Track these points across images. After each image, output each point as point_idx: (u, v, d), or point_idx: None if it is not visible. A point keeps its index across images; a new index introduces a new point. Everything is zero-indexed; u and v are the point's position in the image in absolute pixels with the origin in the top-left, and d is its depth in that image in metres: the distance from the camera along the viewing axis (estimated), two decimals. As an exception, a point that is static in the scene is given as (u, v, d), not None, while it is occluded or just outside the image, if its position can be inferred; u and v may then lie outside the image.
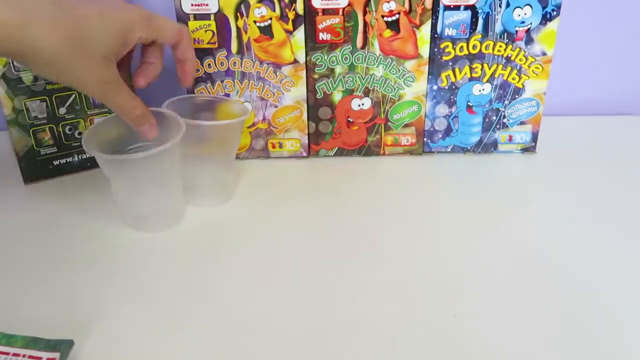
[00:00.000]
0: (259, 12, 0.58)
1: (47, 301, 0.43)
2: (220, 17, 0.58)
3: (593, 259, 0.47)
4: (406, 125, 0.63)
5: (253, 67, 0.60)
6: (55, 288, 0.45)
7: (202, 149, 0.54)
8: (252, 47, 0.59)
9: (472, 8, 0.58)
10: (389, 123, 0.63)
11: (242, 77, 0.61)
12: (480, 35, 0.59)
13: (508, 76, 0.61)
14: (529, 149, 0.65)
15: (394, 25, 0.59)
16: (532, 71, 0.61)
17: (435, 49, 0.60)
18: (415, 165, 0.63)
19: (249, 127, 0.63)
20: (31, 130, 0.58)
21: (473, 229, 0.51)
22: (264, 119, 0.63)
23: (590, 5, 0.71)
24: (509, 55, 0.60)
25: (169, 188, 0.52)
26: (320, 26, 0.59)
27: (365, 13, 0.58)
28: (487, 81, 0.61)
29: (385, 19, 0.58)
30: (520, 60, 0.60)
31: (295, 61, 0.60)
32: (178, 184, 0.53)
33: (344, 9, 0.58)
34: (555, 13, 0.58)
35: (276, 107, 0.62)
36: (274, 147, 0.64)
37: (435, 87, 0.62)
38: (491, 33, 0.59)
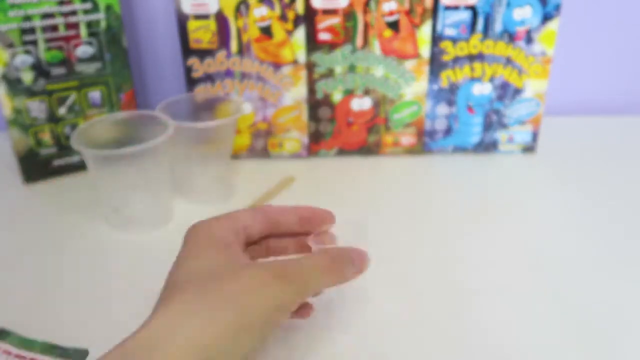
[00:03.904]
0: (259, 12, 0.58)
1: (47, 302, 0.43)
2: (220, 17, 0.58)
3: (593, 259, 0.47)
4: (406, 125, 0.63)
5: (253, 67, 0.60)
6: (55, 289, 0.45)
7: (198, 149, 0.54)
8: (252, 47, 0.59)
9: (472, 8, 0.58)
10: (389, 123, 0.63)
11: (242, 77, 0.61)
12: (480, 35, 0.59)
13: (508, 76, 0.61)
14: (529, 149, 0.65)
15: (394, 25, 0.59)
16: (532, 71, 0.61)
17: (435, 49, 0.60)
18: (415, 165, 0.63)
19: (249, 126, 0.63)
20: (31, 131, 0.59)
21: (473, 229, 0.51)
22: (264, 119, 0.63)
23: (590, 5, 0.71)
24: (509, 55, 0.60)
25: (155, 189, 0.52)
26: (320, 26, 0.59)
27: (365, 13, 0.58)
28: (488, 81, 0.61)
29: (385, 19, 0.58)
30: (520, 60, 0.60)
31: (295, 61, 0.60)
32: (166, 186, 0.53)
33: (344, 9, 0.58)
34: (555, 13, 0.58)
35: (276, 107, 0.62)
36: (273, 147, 0.64)
37: (435, 87, 0.62)
38: (491, 33, 0.59)
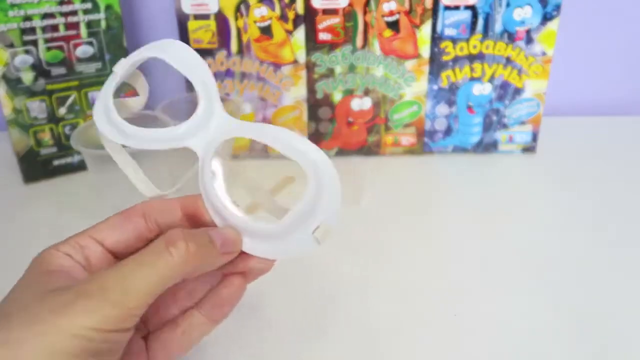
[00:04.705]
0: (259, 12, 0.58)
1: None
2: (220, 17, 0.58)
3: (593, 259, 0.47)
4: (406, 125, 0.63)
5: (253, 67, 0.60)
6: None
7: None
8: (252, 47, 0.59)
9: (472, 8, 0.58)
10: (389, 123, 0.63)
11: (242, 77, 0.61)
12: (480, 35, 0.59)
13: (508, 76, 0.61)
14: (529, 149, 0.65)
15: (394, 25, 0.59)
16: (532, 71, 0.61)
17: (436, 49, 0.60)
18: (415, 165, 0.63)
19: (249, 127, 0.63)
20: (31, 131, 0.58)
21: (473, 229, 0.51)
22: (264, 119, 0.63)
23: (590, 5, 0.71)
24: (509, 55, 0.60)
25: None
26: (320, 26, 0.59)
27: (365, 13, 0.58)
28: (488, 81, 0.61)
29: (385, 19, 0.58)
30: (520, 60, 0.60)
31: (295, 61, 0.60)
32: (166, 186, 0.52)
33: (344, 9, 0.58)
34: (555, 13, 0.58)
35: (276, 107, 0.62)
36: (274, 147, 0.64)
37: (435, 87, 0.62)
38: (491, 33, 0.59)
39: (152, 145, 0.32)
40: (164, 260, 0.27)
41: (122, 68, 0.33)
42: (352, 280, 0.45)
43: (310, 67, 0.60)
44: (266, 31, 0.59)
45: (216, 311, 0.32)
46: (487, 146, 0.65)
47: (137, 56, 0.33)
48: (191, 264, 0.28)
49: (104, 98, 0.33)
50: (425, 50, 0.60)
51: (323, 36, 0.59)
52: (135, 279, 0.26)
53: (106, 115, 0.33)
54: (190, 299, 0.32)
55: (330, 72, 0.61)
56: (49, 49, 0.57)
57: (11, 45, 0.55)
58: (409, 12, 0.58)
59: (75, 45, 0.58)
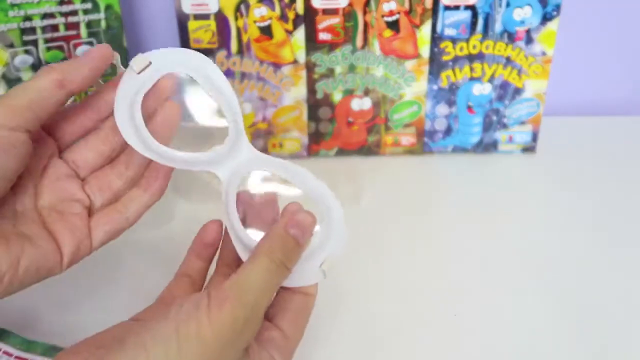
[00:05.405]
0: (259, 12, 0.58)
1: (48, 302, 0.43)
2: (220, 17, 0.58)
3: (593, 260, 0.47)
4: (406, 125, 0.63)
5: (253, 67, 0.60)
6: (55, 290, 0.45)
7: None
8: (252, 47, 0.59)
9: (472, 8, 0.58)
10: (389, 123, 0.63)
11: (242, 77, 0.61)
12: (480, 35, 0.59)
13: (508, 76, 0.61)
14: (529, 149, 0.65)
15: (394, 25, 0.59)
16: (532, 71, 0.61)
17: (435, 49, 0.60)
18: (415, 165, 0.63)
19: (249, 126, 0.63)
20: (31, 130, 0.58)
21: (473, 229, 0.51)
22: (264, 119, 0.63)
23: (590, 5, 0.71)
24: (509, 55, 0.60)
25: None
26: (320, 26, 0.59)
27: (365, 13, 0.58)
28: (488, 81, 0.61)
29: (385, 19, 0.58)
30: (520, 60, 0.60)
31: (295, 61, 0.60)
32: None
33: (344, 9, 0.58)
34: (555, 13, 0.58)
35: (276, 107, 0.62)
36: (274, 147, 0.64)
37: (435, 87, 0.62)
38: (491, 33, 0.59)
39: (176, 165, 0.35)
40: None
41: (150, 71, 0.34)
42: (352, 280, 0.45)
43: (310, 67, 0.60)
44: (266, 31, 0.59)
45: (151, 179, 0.36)
46: (487, 146, 0.65)
47: (167, 69, 0.34)
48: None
49: (129, 105, 0.34)
50: (425, 50, 0.60)
51: (323, 36, 0.59)
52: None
53: (133, 124, 0.33)
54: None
55: (330, 72, 0.61)
56: (49, 49, 0.57)
57: (11, 45, 0.55)
58: (409, 12, 0.58)
59: (75, 45, 0.58)
